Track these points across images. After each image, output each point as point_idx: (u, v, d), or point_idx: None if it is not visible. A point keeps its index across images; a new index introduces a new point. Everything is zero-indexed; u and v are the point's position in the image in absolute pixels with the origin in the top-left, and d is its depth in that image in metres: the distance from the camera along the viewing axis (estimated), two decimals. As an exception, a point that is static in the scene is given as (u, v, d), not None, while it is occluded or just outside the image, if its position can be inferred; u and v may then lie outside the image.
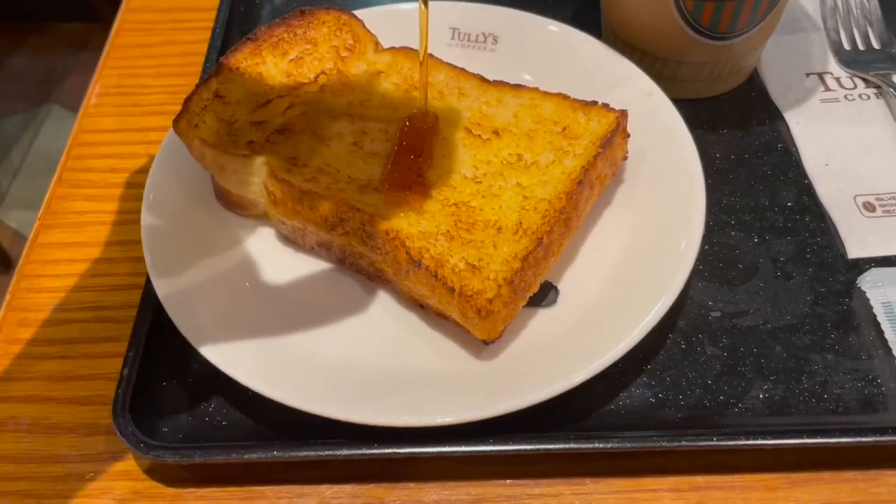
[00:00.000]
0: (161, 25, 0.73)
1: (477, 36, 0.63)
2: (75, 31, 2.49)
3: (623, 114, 0.52)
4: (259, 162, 0.51)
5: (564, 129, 0.52)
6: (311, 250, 0.53)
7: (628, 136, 0.53)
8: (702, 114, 0.62)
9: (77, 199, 0.60)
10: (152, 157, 0.57)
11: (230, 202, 0.53)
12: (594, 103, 0.53)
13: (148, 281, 0.50)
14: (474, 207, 0.49)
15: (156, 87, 0.67)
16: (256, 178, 0.51)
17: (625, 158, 0.54)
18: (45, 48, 2.47)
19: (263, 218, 0.54)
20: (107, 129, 0.64)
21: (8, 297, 0.55)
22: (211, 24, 0.70)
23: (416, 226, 0.48)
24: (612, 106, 0.53)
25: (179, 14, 0.73)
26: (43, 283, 0.55)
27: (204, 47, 0.68)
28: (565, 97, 0.54)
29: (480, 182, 0.50)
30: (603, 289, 0.49)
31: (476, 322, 0.44)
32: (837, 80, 0.63)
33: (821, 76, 0.63)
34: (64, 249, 0.57)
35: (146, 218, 0.51)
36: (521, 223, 0.47)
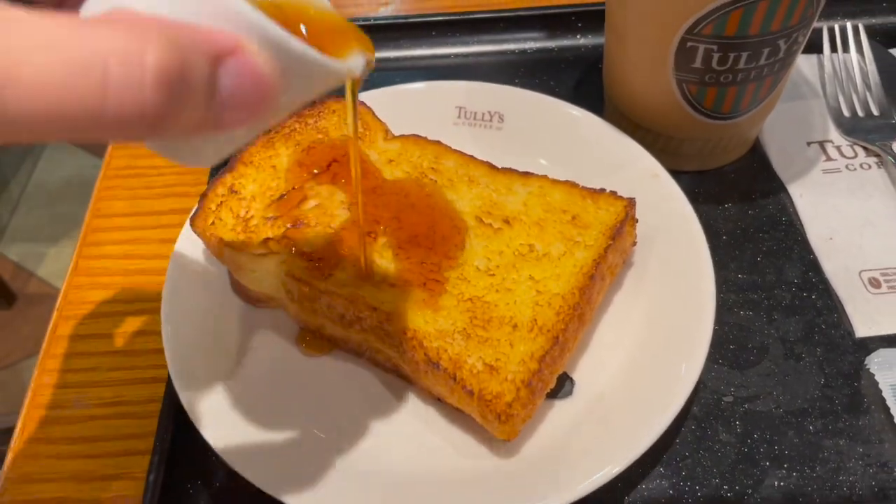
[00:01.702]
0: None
1: (483, 114, 0.64)
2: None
3: (631, 202, 0.53)
4: (276, 261, 0.52)
5: (574, 217, 0.53)
6: (330, 341, 0.53)
7: (636, 221, 0.54)
8: (706, 186, 0.63)
9: (94, 288, 0.61)
10: (166, 242, 0.58)
11: (248, 296, 0.54)
12: (602, 191, 0.54)
13: (169, 379, 0.51)
14: (489, 303, 0.50)
15: (166, 168, 0.68)
16: (273, 275, 0.52)
17: (634, 244, 0.55)
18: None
19: (281, 309, 0.55)
20: (119, 213, 0.65)
21: (30, 393, 0.55)
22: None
23: (432, 324, 0.49)
24: (618, 190, 0.54)
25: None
26: (64, 377, 0.56)
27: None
28: (574, 185, 0.55)
29: (494, 275, 0.51)
30: (619, 379, 0.50)
31: (496, 425, 0.45)
32: (838, 148, 0.64)
33: (822, 145, 0.64)
34: (83, 342, 0.58)
35: (167, 321, 0.51)
36: (535, 320, 0.48)
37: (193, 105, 0.25)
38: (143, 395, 0.55)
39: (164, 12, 0.25)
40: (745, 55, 0.52)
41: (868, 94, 0.66)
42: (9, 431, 0.55)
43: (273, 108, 0.27)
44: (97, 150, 2.23)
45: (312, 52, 0.28)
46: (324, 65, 0.29)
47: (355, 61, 0.33)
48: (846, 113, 0.66)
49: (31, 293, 1.96)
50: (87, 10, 0.26)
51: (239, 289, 0.54)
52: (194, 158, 0.31)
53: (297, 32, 0.27)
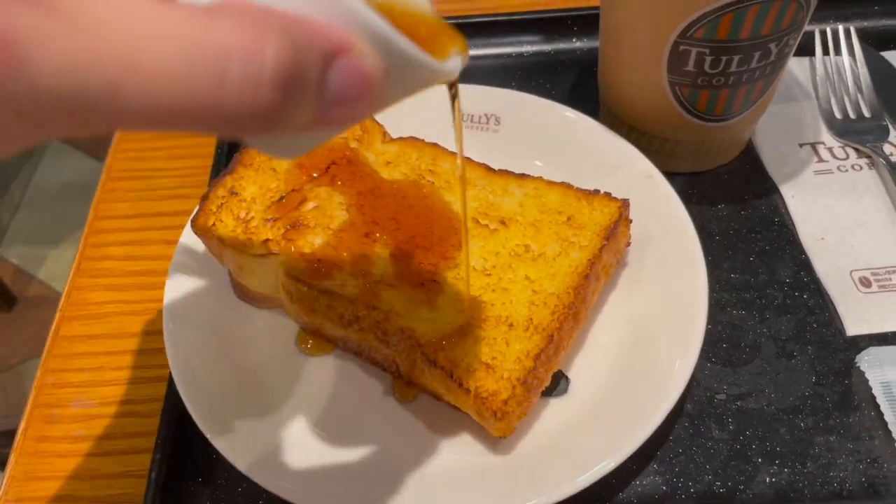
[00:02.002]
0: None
1: (480, 117, 0.65)
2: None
3: (625, 203, 0.54)
4: (276, 261, 0.52)
5: (569, 218, 0.54)
6: (329, 341, 0.54)
7: (630, 222, 0.55)
8: (699, 187, 0.64)
9: (97, 289, 0.61)
10: (169, 243, 0.59)
11: (248, 297, 0.55)
12: (597, 192, 0.55)
13: (171, 378, 0.51)
14: (485, 302, 0.50)
15: (168, 171, 0.69)
16: (273, 276, 0.53)
17: (628, 245, 0.56)
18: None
19: (280, 309, 0.56)
20: (122, 215, 0.66)
21: (34, 392, 0.56)
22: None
23: (429, 323, 0.49)
24: (613, 191, 0.55)
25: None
26: (67, 377, 0.57)
27: (213, 127, 0.70)
28: (569, 186, 0.56)
29: (490, 275, 0.52)
30: (614, 376, 0.51)
31: (492, 422, 0.46)
32: (830, 150, 0.65)
33: (814, 146, 0.65)
34: (86, 342, 0.59)
35: (168, 323, 0.52)
36: (531, 319, 0.49)
37: (304, 103, 0.24)
38: (145, 395, 0.55)
39: (279, 4, 0.25)
40: (736, 58, 0.53)
41: (860, 96, 0.67)
42: (8, 434, 0.55)
43: (375, 107, 0.27)
44: (97, 153, 2.24)
45: (419, 53, 0.27)
46: (428, 66, 0.28)
47: (454, 62, 0.32)
48: (838, 115, 0.66)
49: (31, 296, 1.97)
50: None
51: (239, 289, 0.55)
52: (284, 151, 0.31)
53: (399, 28, 0.27)
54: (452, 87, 0.39)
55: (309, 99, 0.24)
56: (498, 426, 0.46)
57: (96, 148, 2.25)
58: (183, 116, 0.22)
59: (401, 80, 0.28)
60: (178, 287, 0.54)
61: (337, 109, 0.25)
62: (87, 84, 0.21)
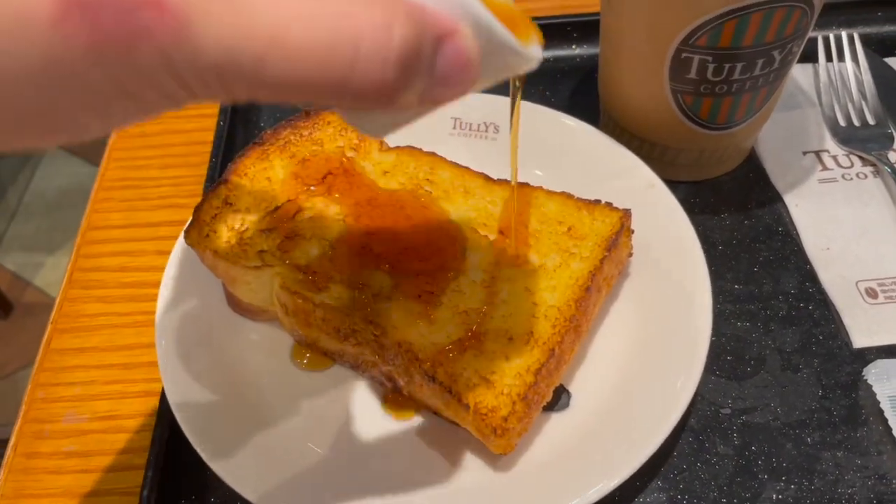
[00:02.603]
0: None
1: (479, 125, 0.64)
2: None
3: (626, 213, 0.53)
4: (270, 273, 0.51)
5: (569, 229, 0.53)
6: (325, 355, 0.53)
7: (632, 232, 0.54)
8: (702, 196, 0.63)
9: (89, 300, 0.60)
10: (162, 254, 0.58)
11: (242, 309, 0.54)
12: (598, 202, 0.54)
13: (163, 393, 0.50)
14: (484, 315, 0.49)
15: (161, 180, 0.68)
16: (268, 288, 0.52)
17: (630, 255, 0.54)
18: (40, 88, 2.48)
19: (275, 322, 0.55)
20: (114, 225, 0.65)
21: (24, 407, 0.55)
22: (212, 111, 0.71)
23: (427, 337, 0.48)
24: (614, 201, 0.54)
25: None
26: (58, 391, 0.56)
27: (206, 136, 0.69)
28: (569, 196, 0.55)
29: (489, 286, 0.51)
30: (616, 390, 0.50)
31: (492, 439, 0.45)
32: (834, 157, 0.64)
33: (818, 154, 0.64)
34: (77, 355, 0.57)
35: (161, 336, 0.51)
36: (531, 332, 0.48)
37: (417, 82, 0.26)
38: (138, 410, 0.54)
39: None
40: (739, 66, 0.52)
41: (864, 103, 0.66)
42: (3, 443, 0.54)
43: (470, 88, 0.29)
44: (95, 159, 2.23)
45: (513, 40, 0.29)
46: (519, 52, 0.30)
47: (536, 49, 0.33)
48: (842, 122, 0.66)
49: (28, 302, 1.96)
50: None
51: (233, 301, 0.54)
52: (375, 129, 0.32)
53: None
54: (518, 77, 0.41)
55: (420, 78, 0.27)
56: (498, 443, 0.45)
57: (94, 154, 2.24)
58: (314, 89, 0.25)
59: (493, 64, 0.29)
60: (171, 299, 0.53)
61: (440, 89, 0.28)
62: (239, 55, 0.23)
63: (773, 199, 0.62)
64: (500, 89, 0.70)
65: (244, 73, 0.24)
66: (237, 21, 0.23)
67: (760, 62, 0.52)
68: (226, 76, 0.24)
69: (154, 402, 0.53)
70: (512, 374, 0.46)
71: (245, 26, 0.23)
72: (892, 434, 0.49)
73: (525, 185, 0.56)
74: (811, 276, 0.57)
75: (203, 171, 0.66)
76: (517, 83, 0.41)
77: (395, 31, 0.25)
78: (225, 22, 0.23)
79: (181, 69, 0.23)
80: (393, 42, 0.25)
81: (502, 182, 0.57)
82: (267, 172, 0.56)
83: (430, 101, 0.28)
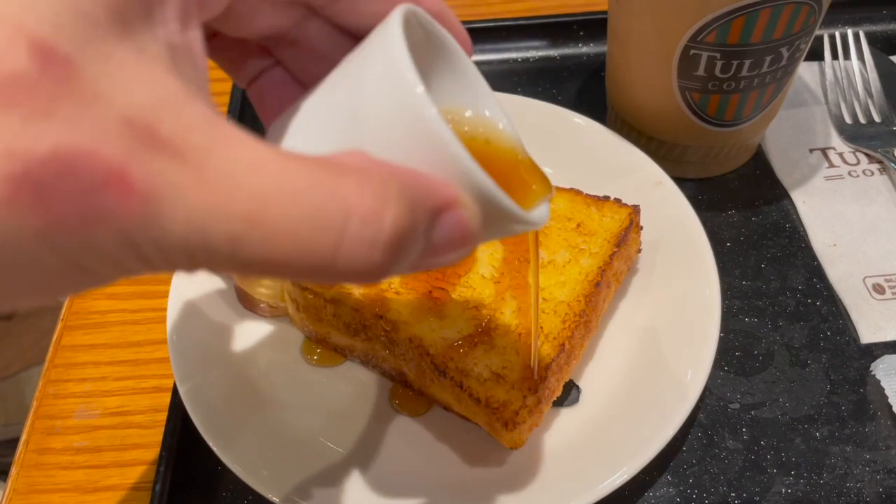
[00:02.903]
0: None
1: (487, 123, 0.64)
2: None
3: (636, 209, 0.53)
4: (281, 269, 0.52)
5: (578, 225, 0.53)
6: (336, 351, 0.53)
7: (641, 228, 0.54)
8: (709, 193, 0.63)
9: (99, 297, 0.61)
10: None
11: (252, 305, 0.54)
12: (606, 198, 0.54)
13: (174, 388, 0.51)
14: (494, 310, 0.50)
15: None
16: (279, 284, 0.52)
17: (639, 251, 0.55)
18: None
19: (286, 318, 0.55)
20: (124, 223, 0.65)
21: (35, 403, 0.55)
22: (222, 109, 0.71)
23: (438, 332, 0.49)
24: (623, 197, 0.55)
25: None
26: (69, 387, 0.56)
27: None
28: (577, 192, 0.55)
29: (499, 282, 0.51)
30: (626, 385, 0.50)
31: (503, 433, 0.45)
32: (841, 155, 0.64)
33: (824, 152, 0.65)
34: (88, 352, 0.58)
35: (172, 332, 0.51)
36: (541, 327, 0.48)
37: (410, 257, 0.25)
38: (149, 405, 0.54)
39: (394, 157, 0.25)
40: (747, 63, 0.53)
41: (870, 100, 0.66)
42: (10, 443, 0.55)
43: (469, 252, 0.27)
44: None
45: (515, 207, 0.28)
46: (522, 219, 0.29)
47: (541, 211, 0.32)
48: (848, 120, 0.66)
49: (31, 303, 1.96)
50: (313, 143, 0.27)
51: (244, 298, 0.54)
52: None
53: (489, 168, 0.27)
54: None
55: (414, 253, 0.25)
56: (509, 437, 0.45)
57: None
58: (292, 269, 0.23)
59: (492, 227, 0.28)
60: (181, 296, 0.54)
61: (436, 258, 0.26)
62: (210, 235, 0.21)
63: (780, 196, 0.62)
64: (509, 87, 0.71)
65: (217, 255, 0.22)
66: (211, 198, 0.21)
67: (768, 59, 0.53)
68: (195, 256, 0.22)
69: (165, 398, 0.53)
70: (523, 367, 0.46)
71: (219, 205, 0.21)
72: (900, 429, 0.49)
73: (534, 181, 0.56)
74: (818, 273, 0.58)
75: (212, 168, 0.66)
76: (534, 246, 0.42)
77: (386, 214, 0.23)
78: (198, 199, 0.21)
79: (144, 250, 0.21)
80: (384, 224, 0.23)
81: (511, 179, 0.57)
82: (277, 169, 0.56)
83: (428, 267, 0.27)
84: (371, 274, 0.24)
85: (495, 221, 0.28)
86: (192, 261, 0.22)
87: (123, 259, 0.21)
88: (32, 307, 0.23)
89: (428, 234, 0.25)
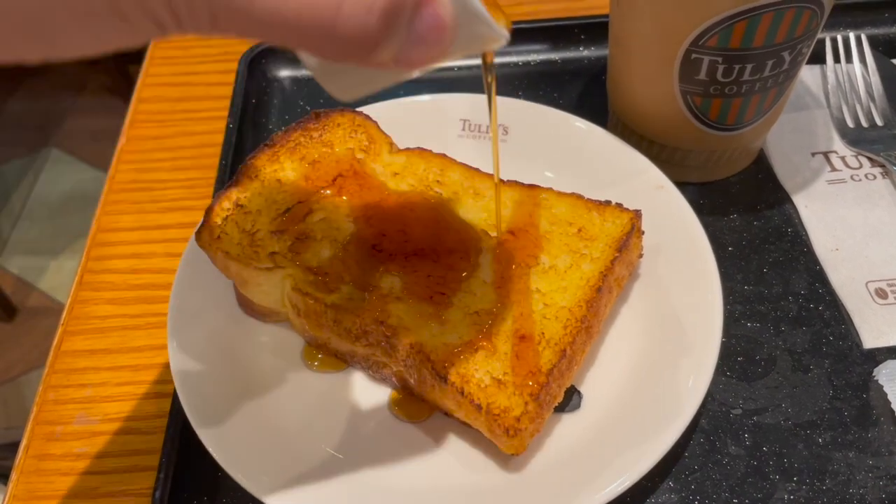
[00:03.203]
0: (174, 116, 0.74)
1: (488, 127, 0.64)
2: (73, 73, 2.51)
3: (637, 214, 0.53)
4: (281, 275, 0.51)
5: (580, 230, 0.53)
6: (336, 356, 0.53)
7: (643, 233, 0.54)
8: (711, 197, 0.63)
9: (99, 302, 0.61)
10: (173, 256, 0.58)
11: (253, 310, 0.54)
12: (608, 203, 0.54)
13: (175, 394, 0.51)
14: (495, 316, 0.49)
15: (172, 182, 0.68)
16: (279, 290, 0.52)
17: (640, 256, 0.55)
18: (43, 92, 2.49)
19: (286, 323, 0.55)
20: (125, 227, 0.65)
21: (35, 409, 0.55)
22: (223, 114, 0.71)
23: (439, 338, 0.48)
24: (624, 202, 0.54)
25: (191, 104, 0.75)
26: (69, 393, 0.56)
27: (217, 138, 0.69)
28: (579, 197, 0.55)
29: (500, 287, 0.51)
30: (627, 390, 0.50)
31: (504, 439, 0.45)
32: (843, 159, 0.64)
33: (826, 155, 0.64)
34: (88, 357, 0.58)
35: (172, 338, 0.51)
36: (543, 333, 0.48)
37: (396, 37, 0.28)
38: (149, 411, 0.54)
39: None
40: (749, 67, 0.53)
41: (871, 104, 0.66)
42: (10, 446, 0.54)
43: (443, 54, 0.30)
44: (99, 163, 2.24)
45: (485, 12, 0.31)
46: (491, 24, 0.31)
47: (505, 29, 0.34)
48: (850, 123, 0.66)
49: (32, 306, 1.96)
50: None
51: (245, 303, 0.54)
52: (344, 90, 0.34)
53: None
54: (489, 64, 0.43)
55: (399, 36, 0.28)
56: (510, 443, 0.45)
57: (97, 158, 2.25)
58: (301, 32, 0.26)
59: (466, 33, 0.31)
60: (182, 301, 0.53)
61: (416, 49, 0.29)
62: None
63: (782, 200, 0.62)
64: (510, 91, 0.71)
65: (234, 8, 0.25)
66: None
67: (770, 63, 0.53)
68: (215, 6, 0.25)
69: (165, 404, 0.53)
70: (524, 374, 0.46)
71: None
72: (903, 434, 0.49)
73: (535, 186, 0.56)
74: (821, 277, 0.57)
75: (213, 173, 0.66)
76: (489, 79, 0.43)
77: None
78: None
79: (174, 2, 0.24)
80: None
81: (512, 183, 0.57)
82: (277, 174, 0.56)
83: (405, 61, 0.29)
84: (366, 41, 0.27)
85: (467, 25, 0.31)
86: (213, 18, 0.25)
87: (155, 5, 0.25)
88: (76, 56, 0.27)
89: (410, 24, 0.28)
